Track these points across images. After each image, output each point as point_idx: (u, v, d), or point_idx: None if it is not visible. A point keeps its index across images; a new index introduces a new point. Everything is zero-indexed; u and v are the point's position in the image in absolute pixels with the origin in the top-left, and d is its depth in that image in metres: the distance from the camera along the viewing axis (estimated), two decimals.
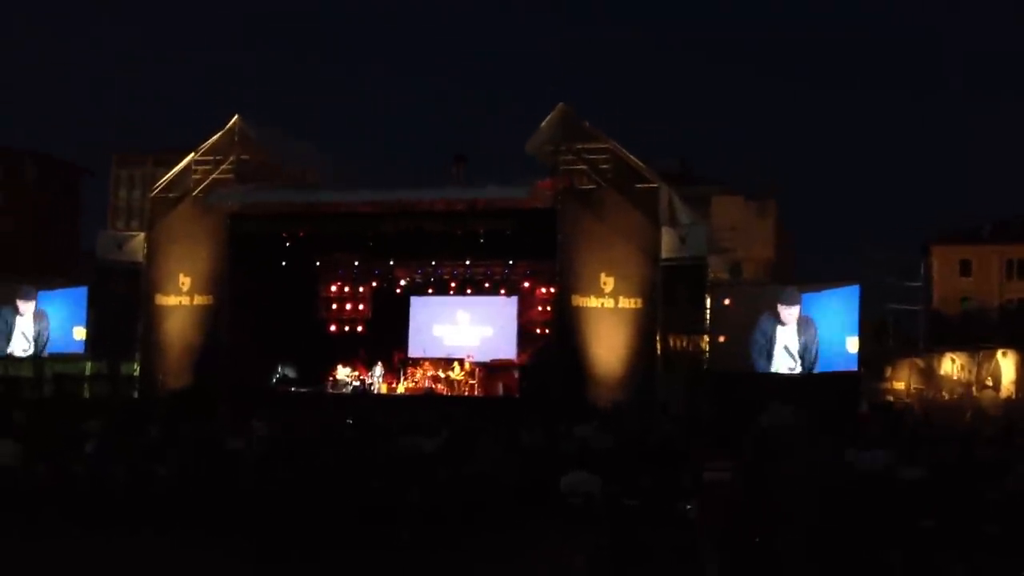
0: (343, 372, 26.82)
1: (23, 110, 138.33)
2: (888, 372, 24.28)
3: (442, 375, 26.18)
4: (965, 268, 56.16)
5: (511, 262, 27.39)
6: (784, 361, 22.24)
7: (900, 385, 23.94)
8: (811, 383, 21.48)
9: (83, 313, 26.89)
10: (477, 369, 26.39)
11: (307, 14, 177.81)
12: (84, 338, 26.79)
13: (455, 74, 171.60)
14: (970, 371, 22.56)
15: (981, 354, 22.49)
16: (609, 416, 18.25)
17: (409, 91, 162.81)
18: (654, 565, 10.16)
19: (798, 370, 22.01)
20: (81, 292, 27.24)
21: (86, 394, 26.25)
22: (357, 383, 26.30)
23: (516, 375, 26.48)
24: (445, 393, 25.52)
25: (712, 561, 8.75)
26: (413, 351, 28.10)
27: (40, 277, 30.45)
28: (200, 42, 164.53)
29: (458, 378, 26.07)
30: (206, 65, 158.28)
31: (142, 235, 26.83)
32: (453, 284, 28.77)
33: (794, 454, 9.40)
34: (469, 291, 28.70)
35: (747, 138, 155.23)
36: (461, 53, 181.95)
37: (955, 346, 24.11)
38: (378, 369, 26.67)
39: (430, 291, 29.13)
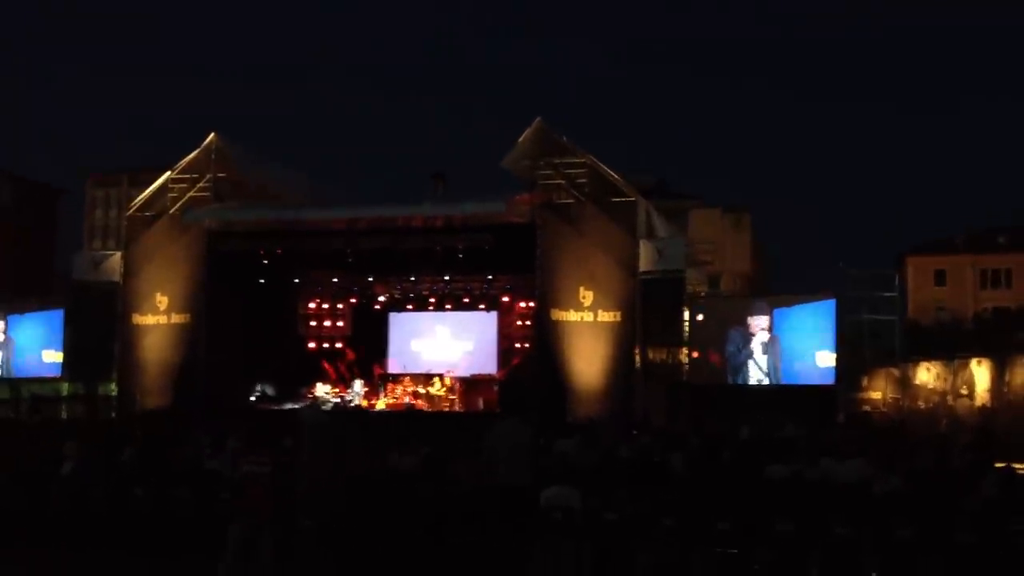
0: (323, 389, 26.73)
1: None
2: (864, 382, 24.46)
3: (422, 391, 26.15)
4: (940, 278, 56.77)
5: (490, 277, 27.46)
6: (756, 374, 22.45)
7: (876, 395, 24.13)
8: (788, 394, 21.65)
9: (55, 336, 26.85)
10: (457, 384, 26.40)
11: (284, 34, 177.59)
12: (56, 361, 26.70)
13: (432, 91, 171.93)
14: (945, 380, 22.78)
15: (956, 363, 22.70)
16: (589, 430, 18.27)
17: (386, 109, 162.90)
18: None
19: (766, 383, 22.22)
20: (53, 315, 27.20)
21: (63, 415, 26.08)
22: (337, 400, 26.23)
23: (496, 390, 26.50)
24: (425, 409, 25.50)
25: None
26: (393, 367, 28.08)
27: (13, 300, 30.28)
28: (175, 60, 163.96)
29: (438, 393, 26.05)
30: (182, 84, 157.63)
31: (119, 255, 26.74)
32: (432, 300, 28.81)
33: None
34: (448, 306, 28.75)
35: (723, 152, 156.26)
36: (438, 70, 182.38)
37: (930, 355, 24.34)
38: (358, 386, 26.62)
39: (409, 307, 29.16)
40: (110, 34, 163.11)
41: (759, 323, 22.54)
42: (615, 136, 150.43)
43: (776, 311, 22.66)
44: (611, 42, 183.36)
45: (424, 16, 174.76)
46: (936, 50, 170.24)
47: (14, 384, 27.48)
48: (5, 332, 27.63)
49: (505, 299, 27.95)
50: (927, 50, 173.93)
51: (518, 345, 27.48)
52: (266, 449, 10.07)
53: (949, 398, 22.43)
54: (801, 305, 22.52)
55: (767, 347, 22.25)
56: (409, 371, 27.34)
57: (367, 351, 28.47)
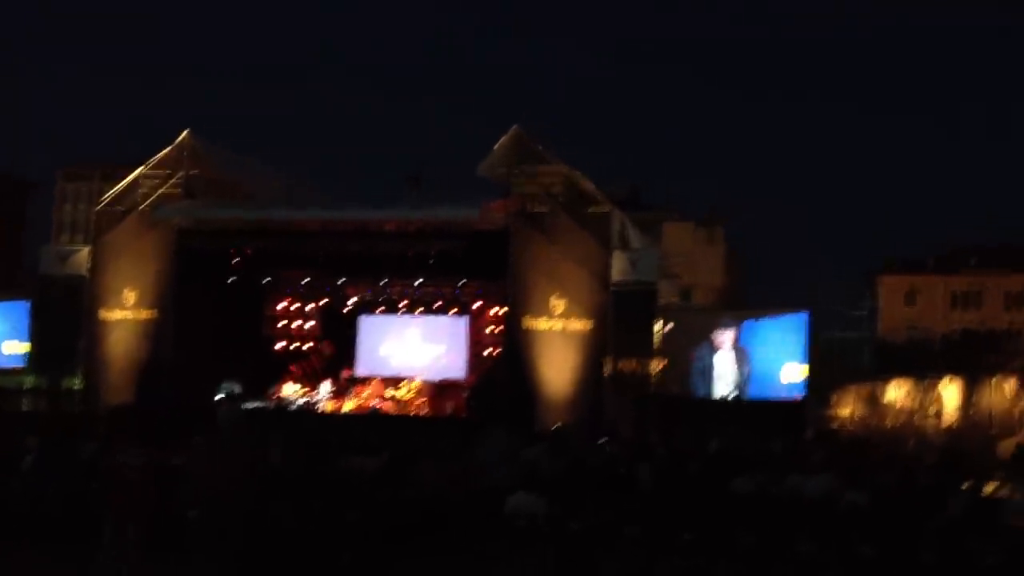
0: (290, 389, 26.54)
1: None
2: (834, 399, 24.58)
3: (389, 394, 26.00)
4: (910, 298, 57.29)
5: (462, 282, 27.32)
6: (721, 389, 22.53)
7: (845, 412, 24.25)
8: (755, 408, 21.72)
9: (19, 328, 26.57)
10: (426, 388, 26.27)
11: (284, 34, 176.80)
12: (18, 352, 26.43)
13: (409, 94, 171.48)
14: (915, 398, 22.94)
15: (926, 382, 22.87)
16: (557, 438, 18.23)
17: (362, 111, 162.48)
18: None
19: (732, 395, 22.31)
20: (17, 306, 26.90)
21: (24, 408, 25.74)
22: (303, 400, 26.03)
23: (465, 395, 26.40)
24: (392, 412, 25.34)
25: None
26: (361, 370, 27.88)
27: None
28: (149, 57, 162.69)
29: (406, 397, 25.92)
30: (154, 79, 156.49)
31: (87, 249, 26.40)
32: (403, 303, 28.62)
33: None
34: (420, 310, 28.56)
35: (696, 165, 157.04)
36: (415, 74, 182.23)
37: (900, 373, 24.47)
38: (325, 387, 26.42)
39: (380, 310, 28.95)
40: (110, 34, 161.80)
41: (724, 337, 22.64)
42: (606, 136, 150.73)
43: (745, 324, 22.76)
44: (601, 42, 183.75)
45: (424, 16, 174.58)
46: (923, 52, 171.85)
47: None
48: None
49: (476, 305, 27.81)
50: (915, 51, 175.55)
51: (488, 351, 27.34)
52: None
53: (917, 417, 22.59)
54: (771, 318, 22.63)
55: (734, 360, 22.33)
56: (377, 374, 27.17)
57: (336, 353, 28.28)
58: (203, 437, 10.20)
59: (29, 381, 26.65)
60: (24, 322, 26.71)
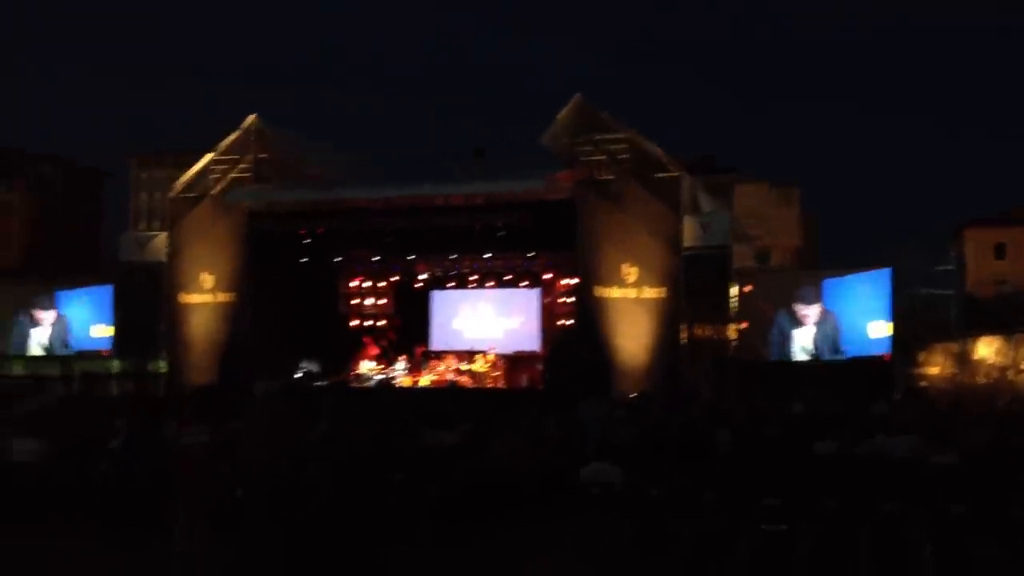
0: (366, 367, 26.81)
1: (41, 114, 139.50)
2: (921, 358, 23.90)
3: (465, 368, 26.10)
4: (999, 251, 55.35)
5: (531, 255, 27.21)
6: (804, 351, 22.08)
7: (934, 371, 23.58)
8: (841, 370, 21.25)
9: (104, 312, 27.37)
10: (500, 361, 26.31)
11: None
12: (105, 336, 27.22)
13: (471, 67, 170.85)
14: (1006, 355, 22.21)
15: (1017, 338, 22.11)
16: (635, 405, 18.09)
17: (426, 87, 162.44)
18: (677, 554, 10.01)
19: (815, 356, 21.87)
20: (102, 291, 27.68)
21: (114, 392, 26.52)
22: (380, 377, 26.28)
23: (539, 367, 26.37)
24: (468, 386, 25.44)
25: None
26: (435, 344, 28.03)
27: (60, 278, 31.01)
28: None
29: (481, 370, 25.99)
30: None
31: (163, 235, 26.99)
32: (474, 277, 28.64)
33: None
34: (490, 284, 28.55)
35: (770, 123, 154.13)
36: (477, 46, 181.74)
37: (990, 330, 23.68)
38: (401, 363, 26.63)
39: (451, 285, 29.01)
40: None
41: (810, 310, 22.13)
42: (660, 107, 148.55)
43: (827, 282, 22.25)
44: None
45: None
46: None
47: (65, 361, 28.08)
48: (56, 309, 28.16)
49: (547, 276, 27.70)
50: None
51: (561, 322, 27.24)
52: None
53: (1009, 373, 21.87)
54: (854, 275, 22.09)
55: (820, 326, 21.85)
56: (452, 348, 27.29)
57: (409, 329, 28.46)
58: (243, 416, 10.28)
59: (116, 366, 27.46)
60: (108, 307, 27.47)
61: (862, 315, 21.61)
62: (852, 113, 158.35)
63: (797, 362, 22.11)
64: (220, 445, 10.20)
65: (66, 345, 28.12)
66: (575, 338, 24.47)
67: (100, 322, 27.70)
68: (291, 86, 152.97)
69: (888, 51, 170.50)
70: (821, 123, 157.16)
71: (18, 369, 28.83)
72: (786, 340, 22.21)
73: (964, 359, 23.22)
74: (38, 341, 28.29)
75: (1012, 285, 48.36)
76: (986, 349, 22.92)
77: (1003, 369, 22.12)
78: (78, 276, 30.64)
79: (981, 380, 22.58)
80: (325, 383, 25.19)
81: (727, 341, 22.60)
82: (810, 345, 21.93)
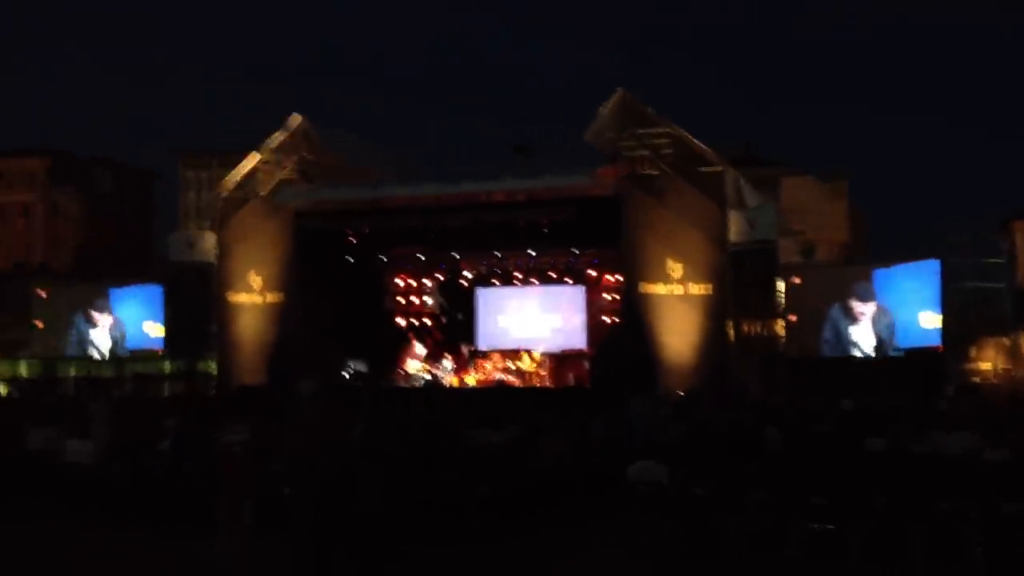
0: (413, 366, 26.91)
1: (88, 115, 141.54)
2: (973, 352, 23.49)
3: (512, 366, 26.11)
4: None
5: (576, 251, 27.14)
6: (856, 353, 21.78)
7: (986, 366, 23.16)
8: (892, 365, 20.97)
9: (156, 310, 27.73)
10: (547, 359, 26.28)
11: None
12: (158, 334, 27.58)
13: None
14: None
15: None
16: (681, 403, 18.00)
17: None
18: (725, 552, 9.96)
19: (870, 353, 21.55)
20: (154, 290, 28.07)
21: (166, 393, 26.87)
22: (428, 376, 26.37)
23: (586, 365, 26.31)
24: (516, 384, 25.45)
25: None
26: (482, 343, 28.08)
27: (110, 277, 31.63)
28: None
29: (528, 369, 25.99)
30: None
31: (212, 235, 27.27)
32: (518, 275, 28.62)
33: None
34: (535, 281, 28.51)
35: (816, 116, 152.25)
36: (520, 44, 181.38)
37: None
38: (447, 362, 26.71)
39: (496, 282, 29.02)
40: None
41: (866, 307, 21.83)
42: (703, 102, 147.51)
43: (877, 272, 21.98)
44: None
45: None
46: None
47: (118, 363, 28.53)
48: (111, 310, 28.63)
49: (592, 273, 27.62)
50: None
51: (607, 319, 27.15)
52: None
53: None
54: (903, 265, 21.81)
55: (876, 322, 21.57)
56: (497, 347, 27.31)
57: (456, 327, 28.54)
58: (287, 416, 10.38)
59: (167, 366, 27.84)
60: (160, 305, 27.84)
61: (913, 305, 21.30)
62: (899, 107, 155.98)
63: (847, 357, 21.82)
64: (261, 444, 10.32)
65: (122, 345, 28.57)
66: (621, 335, 24.38)
67: (152, 319, 28.07)
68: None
69: (927, 49, 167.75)
70: (869, 117, 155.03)
71: (73, 372, 29.36)
72: (840, 337, 21.92)
73: (1017, 353, 22.78)
74: (95, 341, 28.75)
75: None
76: None
77: None
78: (130, 276, 31.15)
79: None
80: (363, 383, 25.32)
81: (775, 337, 22.39)
82: (866, 342, 21.60)
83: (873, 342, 21.63)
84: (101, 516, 12.22)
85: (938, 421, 12.00)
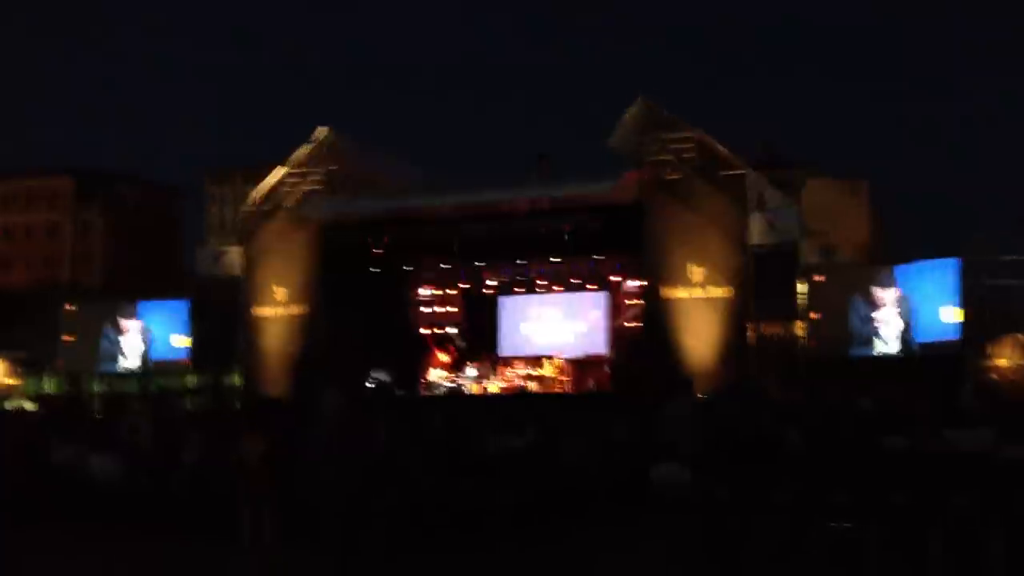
0: (436, 375, 27.09)
1: (111, 133, 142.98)
2: (990, 349, 23.39)
3: (534, 373, 26.25)
4: None
5: (598, 257, 27.24)
6: (881, 346, 21.74)
7: (1003, 362, 23.04)
8: (910, 364, 20.95)
9: (182, 323, 28.00)
10: (568, 365, 26.39)
11: (380, 23, 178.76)
12: (184, 346, 27.87)
13: (534, 72, 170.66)
14: None
15: None
16: (701, 406, 18.03)
17: (488, 94, 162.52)
18: (746, 555, 10.04)
19: (895, 351, 21.51)
20: (181, 304, 28.40)
21: (190, 406, 27.12)
22: (451, 384, 26.55)
23: (607, 370, 26.40)
24: (537, 391, 25.57)
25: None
26: (504, 350, 28.22)
27: (138, 292, 32.00)
28: (277, 59, 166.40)
29: (550, 375, 26.11)
30: (284, 80, 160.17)
31: (238, 249, 27.55)
32: (541, 282, 28.75)
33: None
34: (557, 288, 28.63)
35: (836, 117, 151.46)
36: (537, 51, 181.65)
37: None
38: (471, 370, 26.87)
39: (519, 290, 29.16)
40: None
41: (887, 293, 21.82)
42: (723, 105, 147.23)
43: (898, 268, 22.00)
44: (712, 13, 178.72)
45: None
46: None
47: (143, 377, 28.83)
48: (141, 322, 28.96)
49: (614, 279, 27.71)
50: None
51: (629, 324, 27.24)
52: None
53: None
54: (923, 262, 21.83)
55: (899, 310, 21.53)
56: (520, 354, 27.45)
57: (479, 336, 28.69)
58: (309, 427, 10.55)
59: (192, 380, 28.12)
60: (186, 320, 28.17)
61: (934, 300, 21.29)
62: (921, 104, 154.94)
63: (867, 357, 21.81)
64: (279, 455, 10.50)
65: (148, 356, 28.84)
66: (642, 340, 24.46)
67: (179, 332, 28.37)
68: (318, 86, 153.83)
69: (950, 39, 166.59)
70: (887, 116, 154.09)
71: (99, 387, 29.71)
72: (866, 326, 21.89)
73: None
74: (125, 349, 29.02)
75: None
76: None
77: None
78: (157, 291, 31.51)
79: None
80: (386, 394, 25.51)
81: (795, 338, 22.42)
82: (891, 330, 21.57)
83: (899, 327, 21.56)
84: (126, 530, 12.41)
85: (956, 418, 12.00)
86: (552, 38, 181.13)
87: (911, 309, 21.62)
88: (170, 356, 28.52)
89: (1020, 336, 22.99)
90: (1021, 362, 22.66)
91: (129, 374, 29.16)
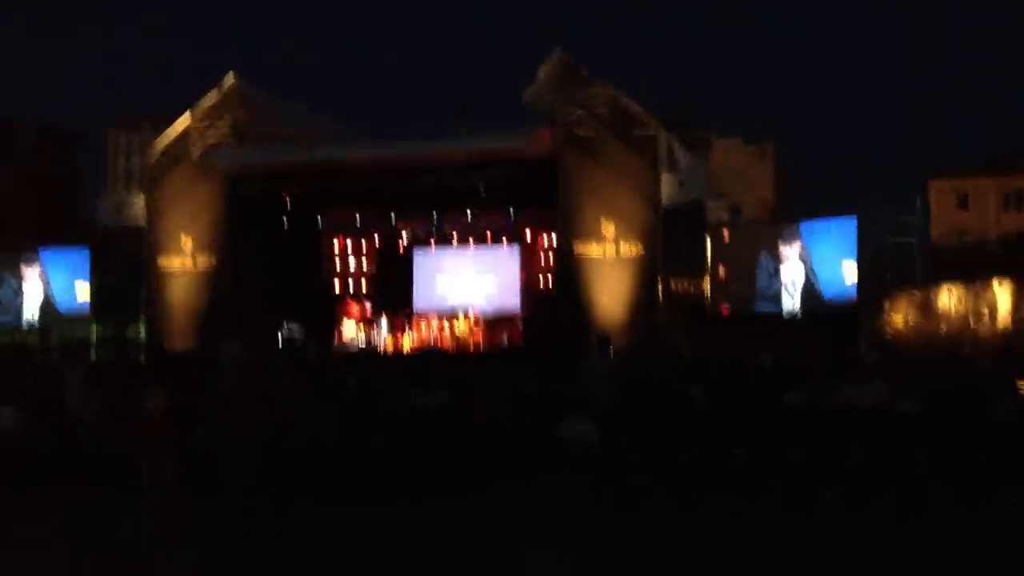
0: (349, 330, 26.96)
1: (16, 76, 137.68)
2: (886, 307, 24.19)
3: (448, 329, 26.31)
4: (962, 201, 56.04)
5: (513, 212, 27.31)
6: (788, 302, 22.32)
7: (898, 319, 23.87)
8: (809, 321, 21.58)
9: (85, 272, 27.17)
10: (481, 321, 26.52)
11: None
12: (87, 298, 27.07)
13: (451, 25, 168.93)
14: (967, 303, 22.52)
15: (978, 285, 22.42)
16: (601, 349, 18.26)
17: (405, 45, 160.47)
18: (649, 510, 10.31)
19: (797, 307, 22.12)
20: (83, 252, 27.51)
21: (92, 359, 26.46)
22: (363, 339, 26.46)
23: (520, 326, 26.60)
24: (450, 347, 25.66)
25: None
26: (418, 305, 28.19)
27: (32, 240, 30.91)
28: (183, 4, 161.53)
29: (463, 331, 26.20)
30: (191, 25, 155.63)
31: (142, 199, 26.79)
32: (455, 236, 28.72)
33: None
34: (472, 242, 28.64)
35: (745, 78, 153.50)
36: (456, 4, 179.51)
37: (952, 278, 23.95)
38: (383, 325, 26.80)
39: (433, 243, 29.08)
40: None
41: (791, 248, 22.34)
42: (637, 63, 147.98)
43: (803, 224, 22.56)
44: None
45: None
46: None
47: (43, 331, 27.97)
48: (42, 270, 28.07)
49: (528, 234, 27.82)
50: None
51: (541, 280, 27.43)
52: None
53: (971, 321, 22.22)
54: (824, 219, 22.40)
55: (803, 270, 22.08)
56: (435, 309, 27.46)
57: (392, 290, 28.60)
58: (211, 380, 10.48)
59: (94, 331, 27.40)
60: (87, 268, 27.37)
61: (835, 257, 21.88)
62: (823, 66, 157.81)
63: (769, 314, 22.38)
64: (179, 409, 10.43)
65: (50, 306, 27.98)
66: (554, 296, 24.68)
67: (82, 278, 27.50)
68: (228, 46, 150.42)
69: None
70: (793, 77, 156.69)
71: None
72: (773, 281, 22.42)
73: (928, 308, 23.50)
74: (28, 296, 28.12)
75: (973, 235, 49.00)
76: (948, 297, 23.20)
77: (965, 317, 22.43)
78: (57, 239, 30.49)
79: (944, 328, 22.91)
80: (297, 347, 25.31)
81: (703, 295, 22.88)
82: (797, 285, 22.11)
83: (802, 283, 22.13)
84: (27, 484, 12.21)
85: (851, 374, 12.43)
86: None
87: (813, 267, 22.17)
88: (74, 307, 27.74)
89: (916, 293, 23.82)
90: (915, 319, 23.50)
91: (30, 326, 28.26)
